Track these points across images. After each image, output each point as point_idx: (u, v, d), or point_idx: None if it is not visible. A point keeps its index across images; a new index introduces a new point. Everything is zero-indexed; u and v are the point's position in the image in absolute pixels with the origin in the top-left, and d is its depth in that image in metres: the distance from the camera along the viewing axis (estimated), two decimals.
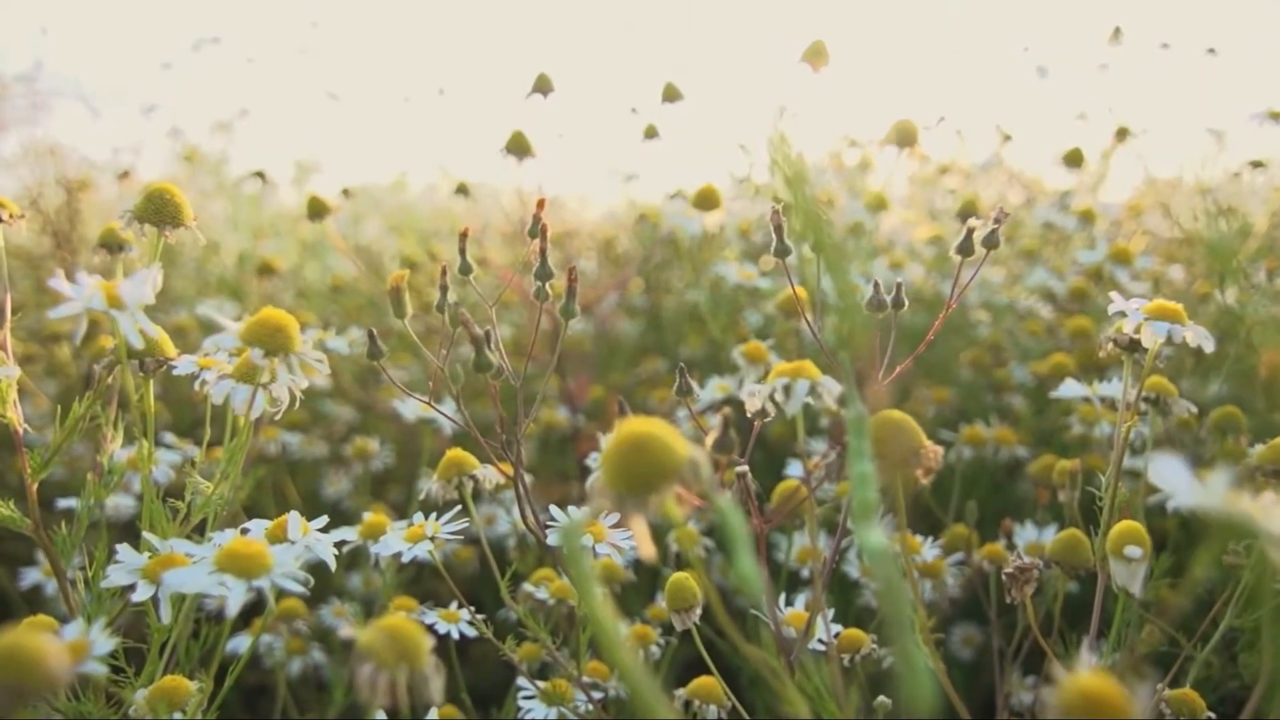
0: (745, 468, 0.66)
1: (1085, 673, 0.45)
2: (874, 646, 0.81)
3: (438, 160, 2.22)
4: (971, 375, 1.62)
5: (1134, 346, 0.77)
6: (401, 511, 1.48)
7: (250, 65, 2.46)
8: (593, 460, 0.97)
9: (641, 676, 0.41)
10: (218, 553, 0.60)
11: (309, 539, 0.67)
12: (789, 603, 0.87)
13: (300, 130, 2.54)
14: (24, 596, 1.23)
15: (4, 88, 2.20)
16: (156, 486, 1.07)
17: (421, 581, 1.34)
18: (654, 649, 0.93)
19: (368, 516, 0.92)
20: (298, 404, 0.73)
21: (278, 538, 0.67)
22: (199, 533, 0.79)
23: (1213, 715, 0.74)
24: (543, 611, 0.95)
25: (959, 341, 1.71)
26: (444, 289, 0.77)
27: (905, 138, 1.39)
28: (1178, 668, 0.81)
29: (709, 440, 0.53)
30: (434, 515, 0.83)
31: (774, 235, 0.78)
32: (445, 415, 0.83)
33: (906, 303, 0.76)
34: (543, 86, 1.42)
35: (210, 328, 0.92)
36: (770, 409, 0.62)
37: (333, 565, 0.68)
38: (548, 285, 0.78)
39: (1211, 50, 1.87)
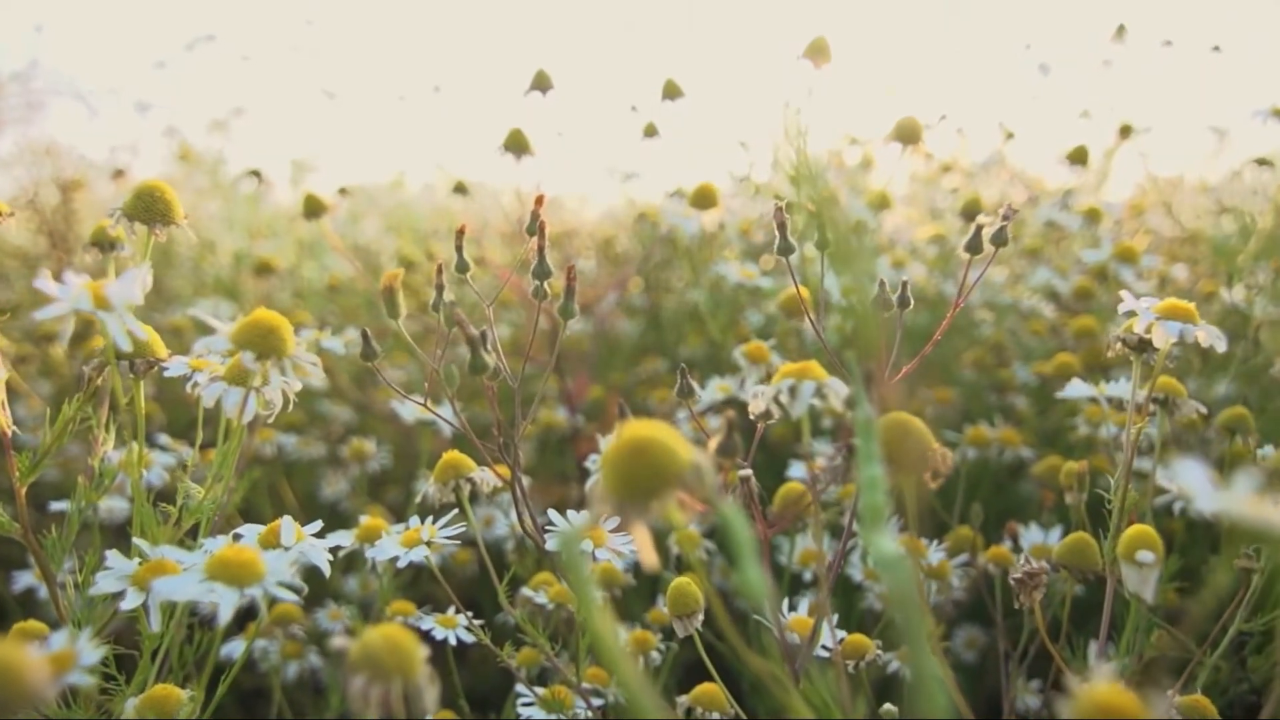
0: (749, 471, 0.64)
1: (1100, 683, 0.43)
2: (879, 653, 0.80)
3: (436, 159, 2.20)
4: (974, 375, 1.61)
5: (1143, 346, 0.75)
6: (399, 513, 1.47)
7: (246, 63, 2.44)
8: (592, 461, 0.95)
9: (641, 687, 0.40)
10: (209, 560, 0.58)
11: (303, 545, 0.65)
12: (792, 607, 0.86)
13: (297, 129, 2.52)
14: (17, 600, 1.22)
15: None
16: (150, 489, 1.06)
17: (419, 584, 1.33)
18: (655, 654, 0.92)
19: (364, 520, 0.91)
20: (291, 406, 0.72)
21: (271, 544, 0.66)
22: (193, 537, 0.78)
23: None
24: (542, 616, 0.93)
25: (961, 341, 1.70)
26: (439, 288, 0.76)
27: (908, 135, 1.37)
28: (1188, 673, 0.80)
29: (712, 444, 0.51)
30: (430, 519, 0.82)
31: (777, 233, 0.76)
32: (441, 418, 0.81)
33: (912, 302, 0.75)
34: (541, 83, 1.40)
35: (206, 329, 0.90)
36: (775, 411, 0.61)
37: (327, 571, 0.67)
38: (546, 284, 0.77)
39: (1217, 48, 1.86)
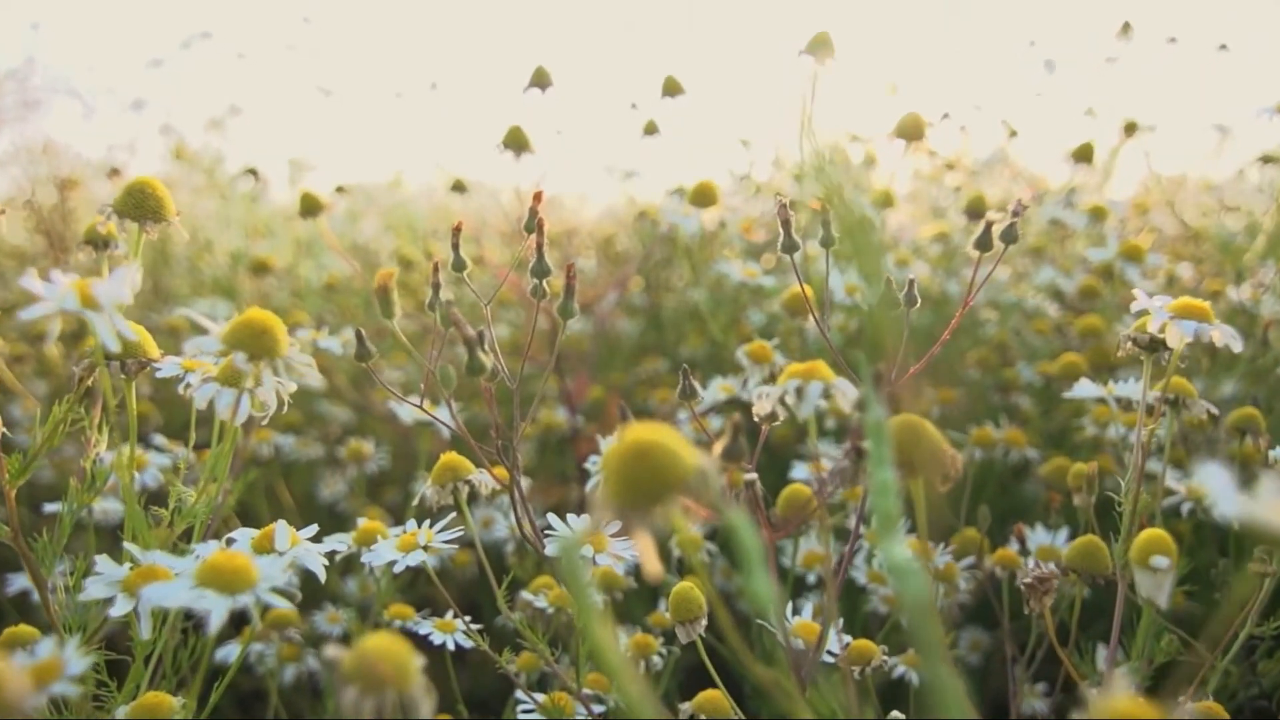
0: (754, 475, 0.63)
1: (1117, 693, 0.42)
2: (885, 659, 0.78)
3: (435, 158, 2.18)
4: (978, 375, 1.60)
5: (1154, 346, 0.74)
6: (398, 514, 1.45)
7: (242, 61, 2.43)
8: (592, 462, 0.94)
9: (641, 696, 0.38)
10: (200, 566, 0.57)
11: (297, 550, 0.64)
12: (796, 610, 0.84)
13: (294, 127, 2.51)
14: (12, 603, 1.20)
15: None
16: (144, 491, 1.05)
17: (418, 586, 1.32)
18: (657, 659, 0.91)
19: (362, 523, 0.90)
20: (286, 407, 0.70)
21: (264, 549, 0.64)
22: (187, 540, 0.77)
23: None
24: (542, 620, 0.92)
25: (965, 341, 1.69)
26: (436, 287, 0.74)
27: (912, 132, 1.36)
28: (1199, 678, 0.78)
29: (716, 448, 0.50)
30: (428, 523, 0.80)
31: (781, 230, 0.75)
32: (439, 420, 0.80)
33: (919, 300, 0.73)
34: (540, 81, 1.39)
35: (199, 329, 0.89)
36: (780, 412, 0.59)
37: (323, 576, 0.65)
38: (545, 283, 0.76)
39: (1224, 46, 1.84)
